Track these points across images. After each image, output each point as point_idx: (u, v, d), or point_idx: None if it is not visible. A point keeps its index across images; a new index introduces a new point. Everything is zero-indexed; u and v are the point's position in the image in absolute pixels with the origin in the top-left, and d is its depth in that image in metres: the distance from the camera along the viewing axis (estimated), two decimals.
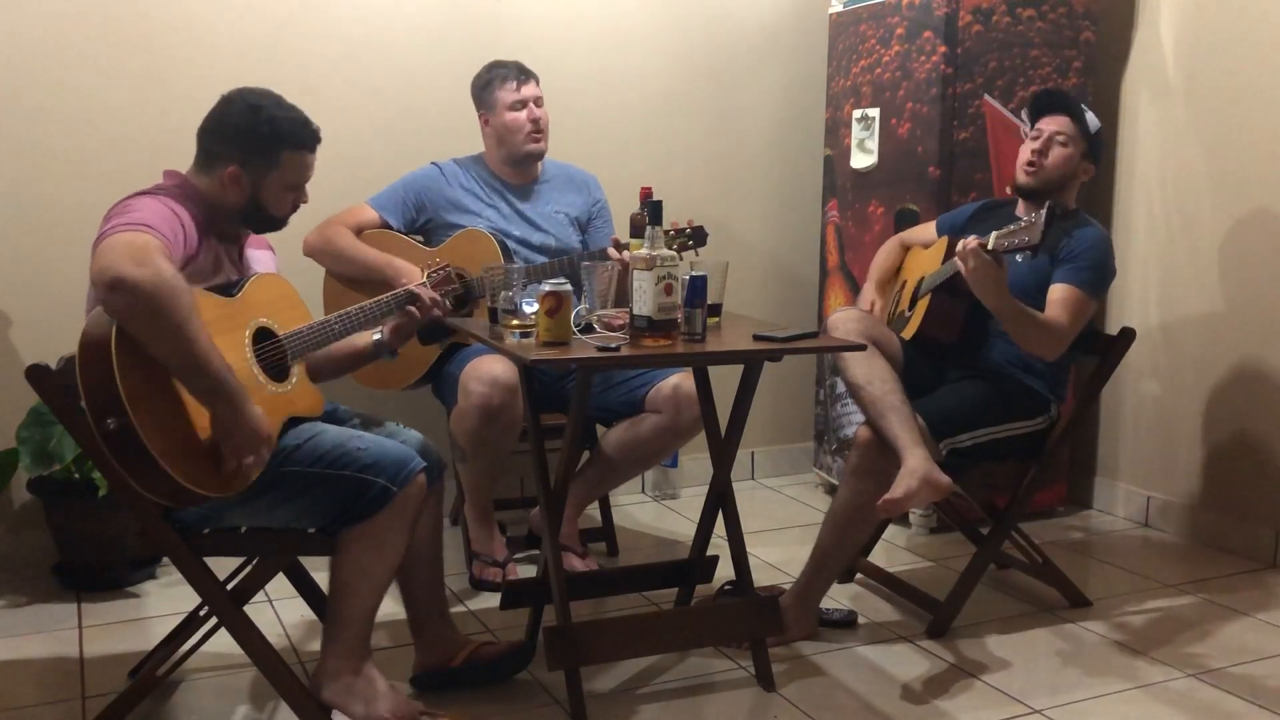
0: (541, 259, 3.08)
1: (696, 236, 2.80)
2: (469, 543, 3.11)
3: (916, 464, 2.46)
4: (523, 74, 3.11)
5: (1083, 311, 2.67)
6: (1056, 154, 2.76)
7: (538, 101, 3.10)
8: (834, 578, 2.80)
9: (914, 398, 2.64)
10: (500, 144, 3.13)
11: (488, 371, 2.78)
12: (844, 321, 2.69)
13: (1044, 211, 2.41)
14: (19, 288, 3.11)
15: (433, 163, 3.18)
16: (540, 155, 3.15)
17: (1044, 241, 2.42)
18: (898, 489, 2.44)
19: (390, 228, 3.07)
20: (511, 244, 3.04)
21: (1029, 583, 3.07)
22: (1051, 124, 2.79)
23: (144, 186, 2.13)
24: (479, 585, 3.01)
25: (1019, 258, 2.70)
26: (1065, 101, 2.83)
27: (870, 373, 2.60)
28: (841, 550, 2.73)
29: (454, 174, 3.15)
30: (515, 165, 3.15)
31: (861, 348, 2.50)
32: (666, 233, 2.57)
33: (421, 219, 3.11)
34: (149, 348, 1.87)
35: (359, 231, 3.05)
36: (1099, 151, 2.82)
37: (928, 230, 3.08)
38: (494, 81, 3.11)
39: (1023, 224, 2.45)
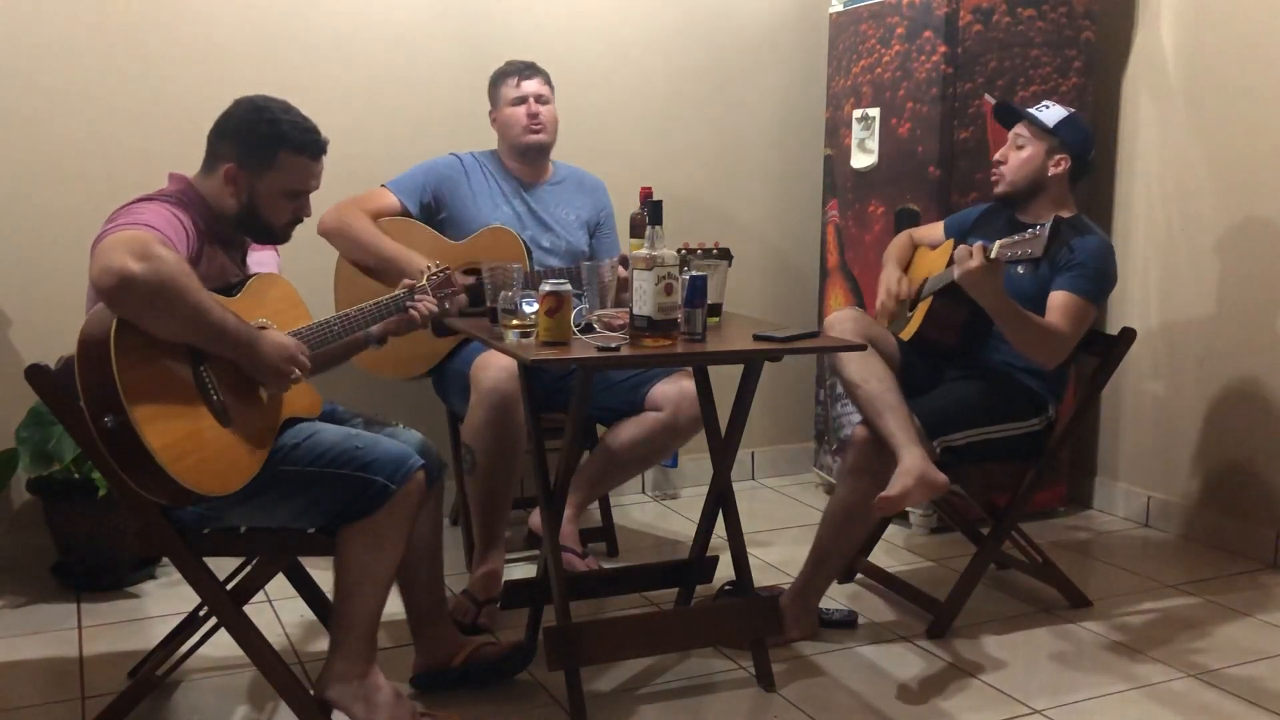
0: (552, 260, 3.07)
1: (724, 255, 2.78)
2: (469, 544, 3.10)
3: (912, 462, 2.46)
4: (526, 70, 3.13)
5: (1083, 319, 2.67)
6: (1014, 158, 2.79)
7: (539, 98, 3.11)
8: (833, 577, 2.81)
9: (911, 397, 2.64)
10: (503, 139, 3.16)
11: (496, 361, 2.75)
12: (840, 321, 2.70)
13: (1048, 224, 2.40)
14: (19, 288, 3.11)
15: (453, 153, 3.18)
16: (541, 147, 3.14)
17: (1047, 254, 2.42)
18: (893, 487, 2.44)
19: (409, 214, 3.05)
20: (524, 242, 3.03)
21: (1029, 583, 3.07)
22: (1014, 130, 2.82)
23: (144, 187, 2.12)
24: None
25: (1019, 268, 2.71)
26: (1013, 112, 2.85)
27: (866, 371, 2.61)
28: (839, 549, 2.73)
29: (473, 166, 3.15)
30: (520, 159, 3.15)
31: (861, 347, 2.50)
32: (694, 251, 2.55)
33: (439, 211, 3.09)
34: (164, 334, 1.89)
35: (377, 217, 3.00)
36: (1074, 140, 2.77)
37: (935, 230, 3.07)
38: (500, 78, 3.15)
39: (1028, 235, 2.44)
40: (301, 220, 2.25)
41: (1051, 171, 2.77)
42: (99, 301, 1.88)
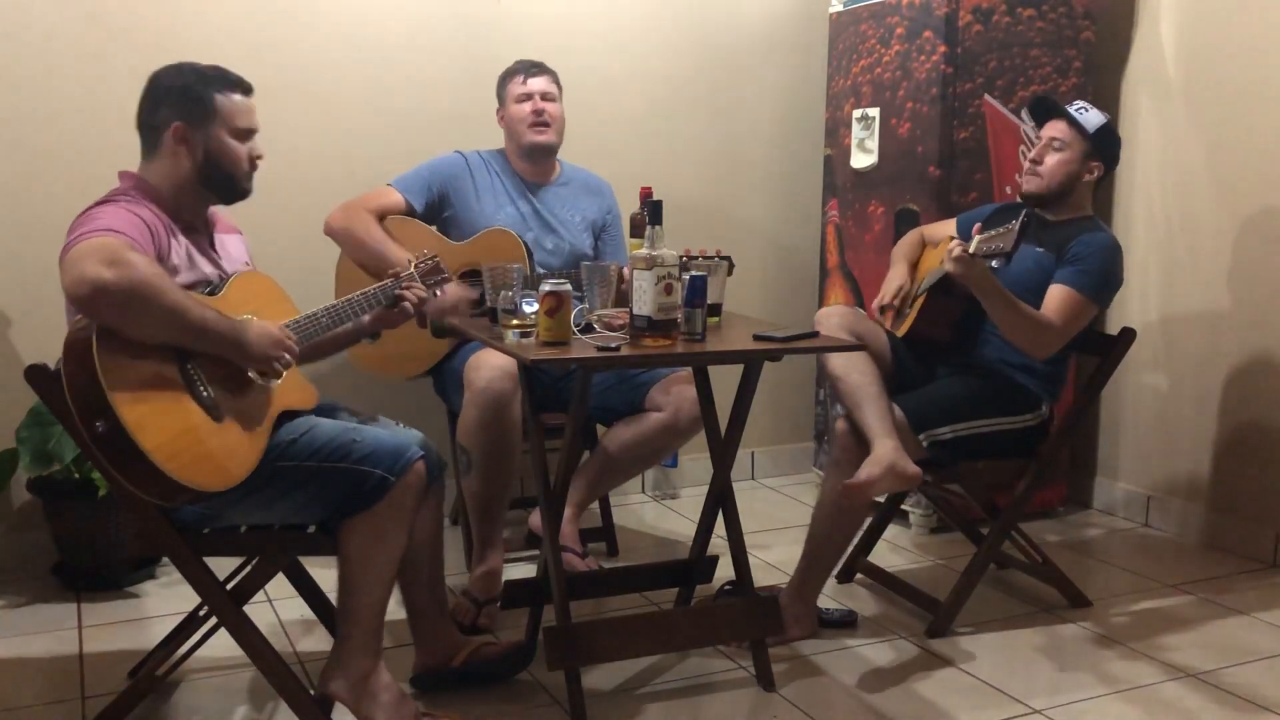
0: (554, 263, 3.06)
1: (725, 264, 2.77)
2: (469, 544, 3.09)
3: (883, 452, 2.50)
4: (533, 68, 3.13)
5: (1078, 314, 2.67)
6: (1051, 160, 2.76)
7: (545, 95, 3.11)
8: (828, 572, 2.80)
9: (905, 393, 2.65)
10: (510, 137, 3.15)
11: (490, 360, 2.75)
12: (828, 317, 2.72)
13: (1019, 220, 2.43)
14: (19, 288, 3.11)
15: (457, 151, 3.16)
16: (547, 148, 3.13)
17: (1017, 249, 2.44)
18: (860, 474, 2.49)
19: (415, 212, 3.04)
20: (525, 245, 3.03)
21: (1029, 583, 3.07)
22: (1049, 130, 2.79)
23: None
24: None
25: (994, 262, 2.71)
26: (1056, 107, 2.83)
27: (849, 364, 2.63)
28: (832, 544, 2.74)
29: (478, 165, 3.14)
30: (527, 159, 3.14)
31: (860, 348, 2.51)
32: (695, 259, 2.55)
33: (444, 209, 3.08)
34: (146, 337, 1.89)
35: (383, 215, 2.99)
36: (1108, 148, 2.79)
37: (948, 227, 3.06)
38: (508, 76, 3.15)
39: (1001, 230, 2.47)
40: (256, 166, 2.22)
41: (1086, 178, 2.78)
42: (78, 313, 1.88)
